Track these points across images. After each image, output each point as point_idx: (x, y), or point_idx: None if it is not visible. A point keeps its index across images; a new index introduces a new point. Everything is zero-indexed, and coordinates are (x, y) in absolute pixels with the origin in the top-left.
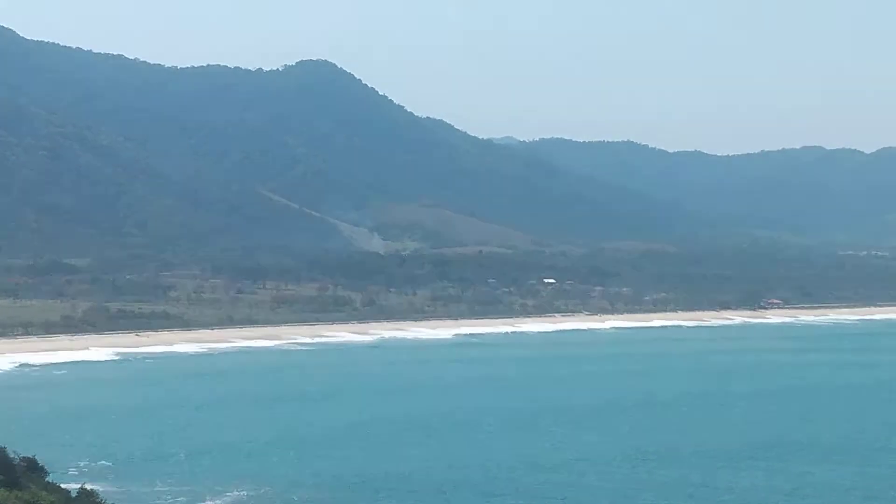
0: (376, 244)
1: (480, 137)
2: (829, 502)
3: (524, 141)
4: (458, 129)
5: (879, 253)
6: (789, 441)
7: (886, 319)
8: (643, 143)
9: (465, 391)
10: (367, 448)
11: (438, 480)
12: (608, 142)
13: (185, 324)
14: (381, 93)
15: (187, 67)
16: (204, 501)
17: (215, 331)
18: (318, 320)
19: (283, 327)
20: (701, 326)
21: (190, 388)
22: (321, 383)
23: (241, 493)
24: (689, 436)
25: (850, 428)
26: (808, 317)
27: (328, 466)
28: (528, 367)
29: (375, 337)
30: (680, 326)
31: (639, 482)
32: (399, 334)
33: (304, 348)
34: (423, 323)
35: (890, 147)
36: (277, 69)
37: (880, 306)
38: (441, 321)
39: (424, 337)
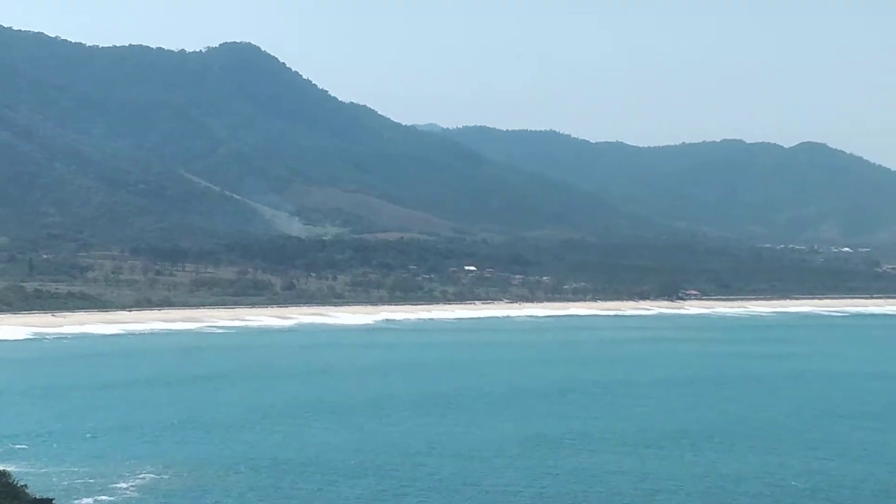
0: (297, 228)
1: (404, 124)
2: (730, 490)
3: (447, 128)
4: (381, 115)
5: (797, 246)
6: (694, 429)
7: (800, 312)
8: (566, 133)
9: (376, 376)
10: (278, 431)
11: (346, 464)
12: (531, 131)
13: (102, 305)
14: (304, 77)
15: (109, 47)
16: (114, 482)
17: (133, 312)
18: (237, 304)
19: (202, 310)
20: (618, 316)
21: (103, 369)
22: (235, 366)
23: (150, 473)
24: (592, 423)
25: (758, 417)
26: (724, 308)
27: (237, 448)
28: (441, 352)
29: (295, 321)
30: (597, 315)
31: (542, 468)
32: (319, 319)
33: (222, 331)
34: (343, 308)
35: (809, 141)
36: (200, 51)
37: (795, 299)
38: (361, 306)
39: (344, 322)
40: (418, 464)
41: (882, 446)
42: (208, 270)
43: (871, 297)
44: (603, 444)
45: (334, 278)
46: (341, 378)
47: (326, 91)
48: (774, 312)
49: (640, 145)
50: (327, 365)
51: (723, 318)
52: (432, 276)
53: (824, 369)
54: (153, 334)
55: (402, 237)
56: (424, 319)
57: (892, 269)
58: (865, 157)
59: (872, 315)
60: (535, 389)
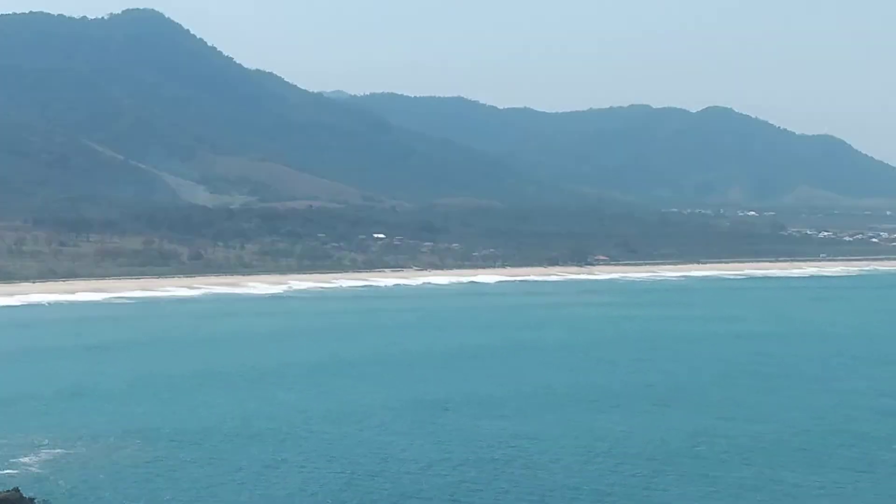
0: (204, 197)
1: (311, 91)
2: (607, 449)
3: (355, 95)
4: (287, 82)
5: (703, 211)
6: (589, 391)
7: (706, 276)
8: (473, 99)
9: (269, 345)
10: (173, 400)
11: (240, 432)
12: (439, 97)
13: (5, 277)
14: (209, 44)
15: (9, 14)
16: (15, 455)
17: (37, 284)
18: (143, 274)
19: (108, 281)
20: (525, 281)
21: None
22: (135, 336)
23: (46, 448)
24: (475, 386)
25: (654, 379)
26: (632, 273)
27: (119, 418)
28: (343, 319)
29: (203, 291)
30: (504, 282)
31: (416, 430)
32: (227, 289)
33: (129, 302)
34: (252, 277)
35: (715, 106)
36: (103, 17)
37: (702, 263)
38: (270, 275)
39: (252, 292)
40: (311, 430)
41: (773, 406)
42: (113, 241)
43: (777, 261)
44: (493, 406)
45: (242, 247)
46: (241, 346)
47: (231, 58)
48: (681, 276)
49: (548, 111)
50: (229, 333)
51: (630, 283)
52: (341, 244)
53: (722, 331)
54: (57, 305)
55: (311, 205)
56: (333, 287)
57: (797, 231)
58: (771, 122)
59: (776, 278)
60: (432, 354)
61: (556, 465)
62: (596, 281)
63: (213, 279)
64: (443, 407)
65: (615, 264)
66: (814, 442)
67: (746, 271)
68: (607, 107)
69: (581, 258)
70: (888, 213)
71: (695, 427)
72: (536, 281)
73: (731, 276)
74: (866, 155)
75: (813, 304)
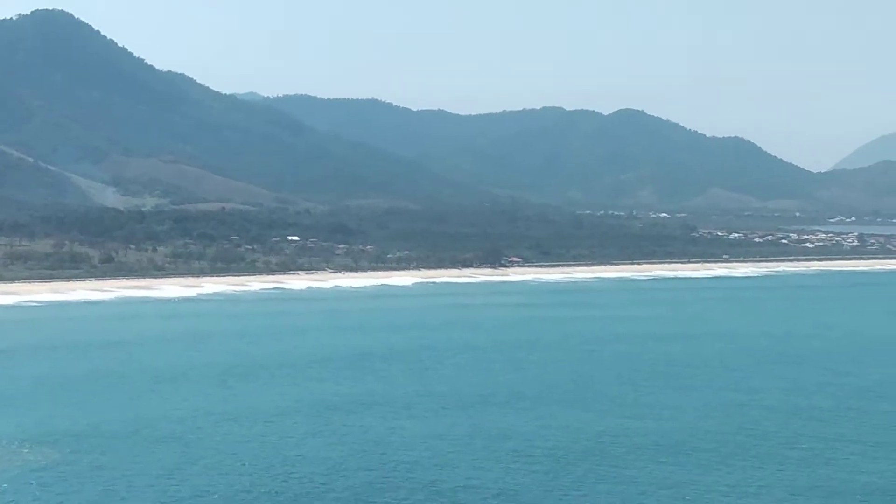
0: (115, 199)
1: (224, 92)
2: (499, 448)
3: (268, 97)
4: (200, 84)
5: (615, 212)
6: (495, 391)
7: (618, 277)
8: (387, 102)
9: (177, 347)
10: (68, 404)
11: (135, 434)
12: (352, 99)
13: None
14: (120, 45)
15: None
16: None
17: None
18: (53, 277)
19: (17, 284)
20: (440, 283)
21: None
22: (37, 340)
23: None
24: (384, 387)
25: (554, 380)
26: (546, 275)
27: (22, 422)
28: (253, 322)
29: (114, 294)
30: (419, 283)
31: (323, 431)
32: (139, 292)
33: (38, 305)
34: (165, 280)
35: (626, 109)
36: (11, 18)
37: (615, 264)
38: (183, 278)
39: (164, 294)
40: (217, 432)
41: (679, 405)
42: (23, 243)
43: (688, 262)
44: (402, 407)
45: (154, 250)
46: (149, 349)
47: (143, 60)
48: (594, 278)
49: (462, 113)
50: (138, 336)
51: (543, 285)
52: (255, 246)
53: (629, 332)
54: None
55: (224, 207)
56: (246, 290)
57: (708, 233)
58: (682, 124)
59: (686, 279)
60: (341, 356)
61: (464, 465)
62: (509, 282)
63: (124, 282)
64: (351, 408)
65: (529, 266)
66: (720, 441)
67: (657, 272)
68: (521, 109)
69: (495, 260)
70: (797, 214)
71: (601, 426)
72: (450, 283)
73: (643, 278)
74: (776, 157)
75: (719, 304)
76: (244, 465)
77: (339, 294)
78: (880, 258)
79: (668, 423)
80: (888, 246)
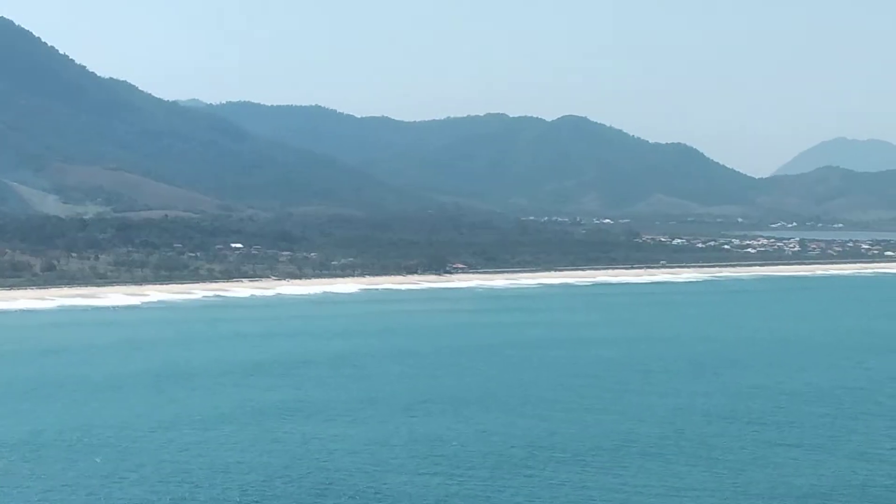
0: (56, 207)
1: (166, 99)
2: (431, 451)
3: (211, 104)
4: (142, 91)
5: (560, 218)
6: (427, 396)
7: (562, 283)
8: (331, 108)
9: (115, 355)
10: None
11: (68, 442)
12: (296, 106)
13: None
14: (61, 52)
15: None
16: None
17: None
18: None
19: None
20: (384, 290)
21: None
22: None
23: None
24: (322, 393)
25: (486, 384)
26: (490, 281)
27: None
28: (191, 328)
29: (56, 303)
30: (362, 290)
31: (260, 438)
32: (82, 300)
33: None
34: (109, 288)
35: (570, 115)
36: None
37: (559, 270)
38: (126, 286)
39: (107, 303)
40: (153, 440)
41: (614, 409)
42: None
43: (631, 268)
44: (339, 413)
45: (96, 258)
46: (86, 357)
47: (84, 66)
48: (538, 284)
49: (406, 120)
50: (76, 344)
51: (487, 291)
52: (198, 254)
53: (568, 336)
54: None
55: (167, 215)
56: (190, 298)
57: (651, 239)
58: (625, 130)
59: (628, 284)
60: (279, 362)
61: (404, 471)
62: (453, 289)
63: (67, 290)
64: (290, 415)
65: (473, 272)
66: (656, 443)
67: (600, 278)
68: (464, 115)
69: (440, 266)
70: (740, 220)
71: (540, 431)
72: (394, 289)
73: (586, 283)
74: (718, 163)
75: (659, 309)
76: (183, 472)
77: (281, 301)
78: (821, 263)
79: (606, 427)
80: (829, 251)
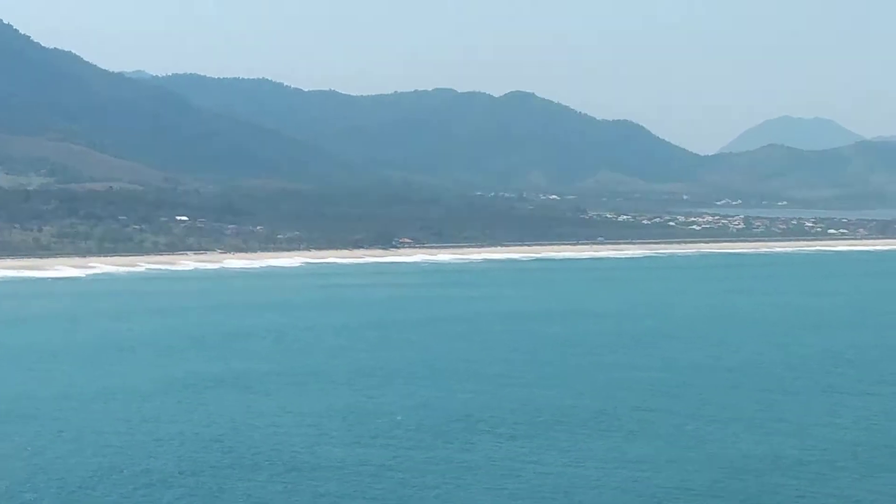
0: None
1: (111, 70)
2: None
3: (156, 75)
4: (87, 62)
5: (507, 194)
6: (350, 367)
7: (508, 258)
8: (278, 81)
9: (47, 326)
10: None
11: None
12: (243, 79)
13: None
14: (5, 21)
15: None
16: None
17: None
18: None
19: None
20: (330, 264)
21: None
22: None
23: None
24: (248, 364)
25: (417, 357)
26: (437, 256)
27: None
28: (131, 301)
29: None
30: (308, 264)
31: (185, 409)
32: (25, 273)
33: None
34: (55, 260)
35: (518, 91)
36: None
37: (506, 245)
38: (70, 258)
39: (53, 275)
40: (92, 410)
41: (544, 382)
42: None
43: (577, 244)
44: (264, 384)
45: (40, 230)
46: (16, 328)
47: (28, 37)
48: (483, 259)
49: (354, 94)
50: (11, 317)
51: (433, 266)
52: (143, 226)
53: (507, 311)
54: None
55: (111, 187)
56: (136, 271)
57: (598, 215)
58: (572, 107)
59: (572, 260)
60: (212, 336)
61: (338, 443)
62: (399, 263)
63: (10, 262)
64: (221, 387)
65: (420, 247)
66: (593, 417)
67: (546, 254)
68: (412, 90)
69: (386, 241)
70: (685, 197)
71: (476, 404)
72: (339, 263)
73: (531, 258)
74: (664, 140)
75: (600, 284)
76: (111, 443)
77: (225, 274)
78: (765, 240)
79: (545, 400)
80: (773, 228)
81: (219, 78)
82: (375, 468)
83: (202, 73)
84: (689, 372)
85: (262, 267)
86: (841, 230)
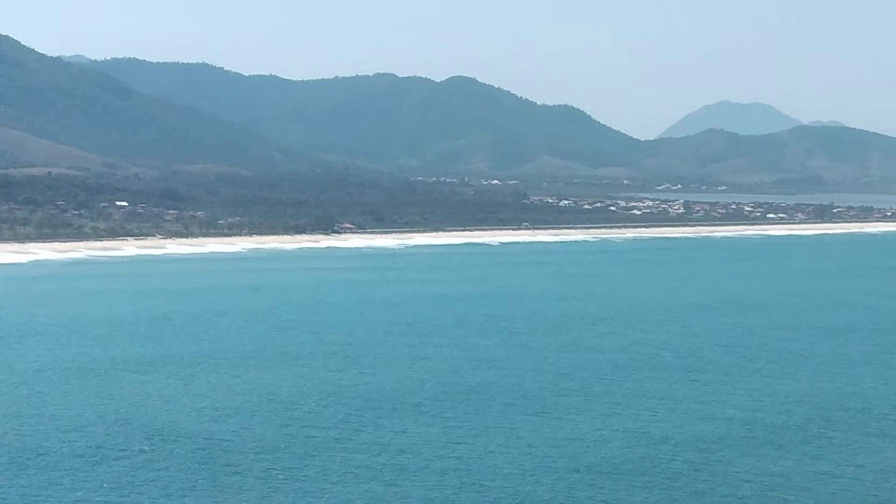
0: None
1: (49, 55)
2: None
3: (96, 59)
4: (24, 46)
5: (448, 179)
6: (264, 349)
7: (448, 243)
8: (218, 66)
9: None
10: None
11: None
12: (183, 63)
13: None
14: None
15: None
16: None
17: None
18: None
19: None
20: (269, 249)
21: None
22: None
23: None
24: (167, 348)
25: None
26: (377, 241)
27: None
28: (54, 286)
29: None
30: (248, 249)
31: (110, 390)
32: None
33: None
34: None
35: (458, 76)
36: None
37: (448, 231)
38: (8, 244)
39: None
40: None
41: (454, 363)
42: None
43: (518, 228)
44: (182, 366)
45: None
46: None
47: None
48: (423, 244)
49: (294, 79)
50: None
51: (373, 250)
52: (82, 212)
53: (431, 294)
54: None
55: (50, 172)
56: (73, 257)
57: (539, 200)
58: (513, 92)
59: (509, 244)
60: (133, 319)
61: (232, 419)
62: (338, 248)
63: None
64: (130, 368)
65: (361, 232)
66: (512, 394)
67: (486, 239)
68: (353, 75)
69: (328, 226)
70: (626, 182)
71: (389, 383)
72: (279, 249)
73: (471, 242)
74: (604, 125)
75: (532, 268)
76: (20, 424)
77: (162, 259)
78: (705, 225)
79: (465, 379)
80: (713, 213)
81: (158, 62)
82: (275, 444)
83: (141, 58)
84: (607, 350)
85: (202, 252)
86: (780, 214)
